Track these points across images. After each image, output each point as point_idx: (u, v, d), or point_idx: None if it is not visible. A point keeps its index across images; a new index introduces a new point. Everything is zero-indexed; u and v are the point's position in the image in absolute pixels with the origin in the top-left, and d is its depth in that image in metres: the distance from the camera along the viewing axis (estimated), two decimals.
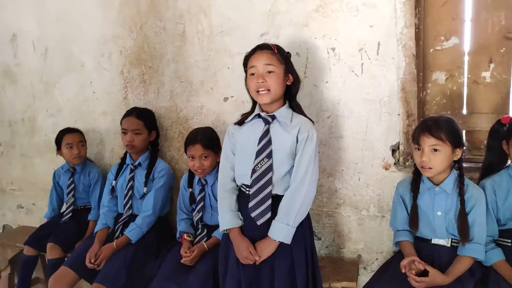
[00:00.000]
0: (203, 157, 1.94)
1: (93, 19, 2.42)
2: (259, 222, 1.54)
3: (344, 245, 2.05)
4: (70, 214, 2.40)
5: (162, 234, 2.17)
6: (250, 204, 1.55)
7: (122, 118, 2.19)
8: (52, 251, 2.20)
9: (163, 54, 2.26)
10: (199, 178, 2.03)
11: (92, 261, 1.97)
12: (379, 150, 1.91)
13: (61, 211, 2.51)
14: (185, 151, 2.00)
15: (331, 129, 1.97)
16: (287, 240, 1.51)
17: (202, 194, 2.03)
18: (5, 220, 3.05)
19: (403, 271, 1.50)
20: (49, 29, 2.58)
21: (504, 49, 1.82)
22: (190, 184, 2.08)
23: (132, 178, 2.19)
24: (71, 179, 2.43)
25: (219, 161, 2.02)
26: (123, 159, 2.28)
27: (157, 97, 2.32)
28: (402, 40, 1.79)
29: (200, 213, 2.02)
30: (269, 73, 1.55)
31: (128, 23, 2.32)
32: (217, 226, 1.98)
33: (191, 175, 2.07)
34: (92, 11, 2.41)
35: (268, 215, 1.54)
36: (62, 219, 2.38)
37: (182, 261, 1.84)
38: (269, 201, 1.54)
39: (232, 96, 2.14)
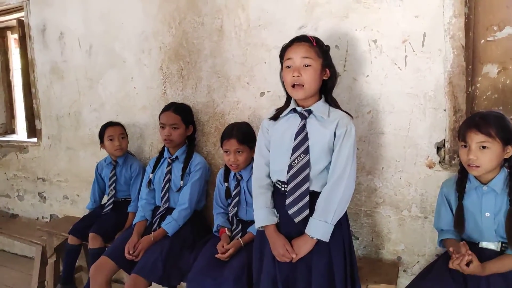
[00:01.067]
0: (238, 152, 1.94)
1: (134, 16, 2.47)
2: (296, 220, 1.51)
3: (383, 245, 1.97)
4: (111, 206, 2.48)
5: (197, 227, 2.19)
6: (287, 201, 1.52)
7: (161, 113, 2.23)
8: (93, 241, 2.28)
9: (201, 49, 2.28)
10: (235, 173, 2.03)
11: (131, 252, 2.02)
12: (422, 147, 1.81)
13: (102, 203, 2.61)
14: (221, 145, 2.00)
15: (371, 125, 1.89)
16: (326, 238, 1.47)
17: (238, 189, 2.02)
18: (52, 209, 3.21)
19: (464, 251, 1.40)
20: (93, 26, 2.68)
21: None
22: (226, 179, 2.08)
23: (169, 172, 2.23)
24: (113, 171, 2.51)
25: (253, 156, 2.01)
26: (161, 152, 2.32)
27: (195, 92, 2.34)
28: (450, 31, 1.68)
29: (235, 208, 2.02)
30: (305, 66, 1.50)
31: (168, 19, 2.35)
32: (252, 222, 1.97)
33: (227, 170, 2.08)
34: (133, 7, 2.47)
35: (306, 212, 1.50)
36: (104, 211, 2.47)
37: (217, 256, 1.85)
38: (307, 198, 1.50)
39: (268, 91, 2.11)
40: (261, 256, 1.63)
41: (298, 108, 1.57)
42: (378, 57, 1.82)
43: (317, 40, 1.55)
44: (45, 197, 3.24)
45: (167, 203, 2.22)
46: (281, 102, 2.04)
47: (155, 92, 2.49)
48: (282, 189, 1.57)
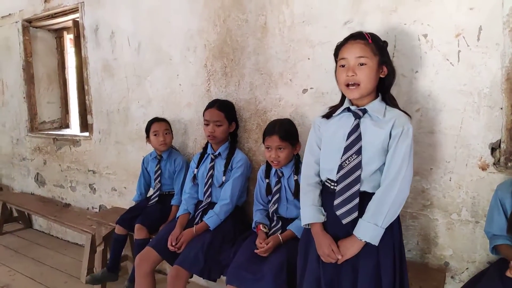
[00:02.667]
0: (280, 149, 1.93)
1: (181, 14, 2.54)
2: (344, 221, 1.46)
3: (429, 250, 1.88)
4: (157, 199, 2.57)
5: (238, 223, 2.21)
6: (336, 202, 1.47)
7: (205, 110, 2.27)
8: (139, 232, 2.37)
9: (244, 46, 2.29)
10: (276, 170, 2.03)
11: (174, 244, 2.08)
12: (475, 148, 1.70)
13: (148, 195, 2.71)
14: (263, 142, 2.01)
15: (420, 124, 1.81)
16: (375, 241, 1.41)
17: (278, 186, 2.02)
18: (101, 200, 3.38)
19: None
20: (141, 25, 2.78)
21: None
22: (267, 175, 2.08)
23: (212, 167, 2.27)
24: (158, 165, 2.60)
25: (295, 154, 2.00)
26: (205, 148, 2.37)
27: (238, 89, 2.36)
28: (510, 23, 1.56)
29: (276, 205, 2.02)
30: (360, 65, 1.44)
31: (213, 17, 2.39)
32: (292, 219, 1.98)
33: (269, 167, 2.08)
34: (179, 5, 2.53)
35: (355, 214, 1.45)
36: (149, 203, 2.57)
37: (256, 251, 1.86)
38: (357, 200, 1.45)
39: (311, 88, 2.08)
40: (306, 255, 1.60)
41: (352, 107, 1.52)
42: (429, 52, 1.74)
43: (373, 37, 1.48)
44: (95, 189, 3.41)
45: (210, 198, 2.26)
46: (325, 99, 2.04)
47: (200, 89, 2.54)
48: (332, 187, 1.53)
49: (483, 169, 1.70)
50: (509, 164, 1.64)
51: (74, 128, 3.97)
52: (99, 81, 3.16)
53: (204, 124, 2.25)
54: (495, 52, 1.60)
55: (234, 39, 2.33)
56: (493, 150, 1.67)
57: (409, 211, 1.90)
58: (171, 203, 2.53)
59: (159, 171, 2.60)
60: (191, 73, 2.56)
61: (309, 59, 2.06)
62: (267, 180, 2.07)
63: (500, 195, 1.51)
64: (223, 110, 2.23)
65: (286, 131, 1.94)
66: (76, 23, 3.34)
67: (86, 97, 3.30)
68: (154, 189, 2.62)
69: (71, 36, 3.72)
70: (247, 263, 1.84)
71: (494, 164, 1.67)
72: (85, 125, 3.43)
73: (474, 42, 1.64)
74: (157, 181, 2.60)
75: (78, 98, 3.51)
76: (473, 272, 1.75)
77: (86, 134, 3.40)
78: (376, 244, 1.42)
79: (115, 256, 2.57)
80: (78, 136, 3.48)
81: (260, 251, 1.84)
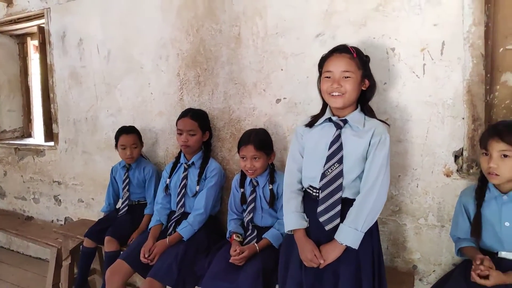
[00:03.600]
0: (255, 158, 1.95)
1: (153, 23, 2.52)
2: (327, 228, 1.51)
3: (398, 254, 1.95)
4: (126, 208, 2.51)
5: (212, 232, 2.20)
6: (319, 209, 1.52)
7: (178, 119, 2.26)
8: (109, 244, 2.30)
9: (218, 56, 2.31)
10: (251, 179, 2.04)
11: (146, 256, 2.04)
12: (440, 156, 1.80)
13: (117, 206, 2.64)
14: (238, 151, 2.02)
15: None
16: (355, 245, 1.47)
17: (253, 195, 2.03)
18: (67, 212, 3.25)
19: (476, 270, 1.40)
20: (112, 32, 2.73)
21: None
22: (241, 184, 2.09)
23: (185, 177, 2.25)
24: (126, 174, 2.55)
25: (270, 163, 2.02)
26: (177, 158, 2.35)
27: (211, 98, 2.37)
28: (470, 39, 1.68)
29: (251, 214, 2.03)
30: (345, 78, 1.51)
31: (186, 26, 2.39)
32: (267, 228, 1.99)
33: (243, 176, 2.09)
34: (152, 14, 2.52)
35: (337, 221, 1.50)
36: (119, 213, 2.50)
37: (230, 260, 1.85)
38: (339, 207, 1.51)
39: (284, 98, 2.13)
40: (287, 261, 1.63)
41: (334, 118, 1.58)
42: (396, 65, 1.83)
43: (358, 51, 1.55)
44: (60, 200, 3.28)
45: (183, 208, 2.23)
46: (298, 109, 2.08)
47: (172, 98, 2.52)
48: (314, 194, 1.57)
49: (448, 175, 1.79)
50: (471, 171, 1.74)
51: (38, 137, 3.81)
52: (66, 89, 3.06)
53: (177, 133, 2.24)
54: (457, 65, 1.71)
55: (207, 48, 2.34)
56: (456, 157, 1.77)
57: (379, 217, 1.94)
58: (144, 212, 2.48)
59: (127, 180, 2.54)
60: (163, 81, 2.54)
61: (282, 70, 2.10)
62: (242, 190, 2.08)
63: (464, 200, 1.60)
64: (197, 119, 2.23)
65: (261, 141, 1.97)
66: (41, 29, 3.23)
67: (51, 105, 3.18)
68: (122, 198, 2.56)
69: (35, 42, 3.59)
70: (222, 272, 1.84)
71: (457, 171, 1.77)
72: (49, 134, 3.30)
73: (438, 56, 1.74)
74: (125, 189, 2.54)
75: (42, 106, 3.38)
76: (439, 274, 1.83)
77: (51, 143, 3.27)
78: (356, 248, 1.47)
79: (84, 271, 2.47)
80: (42, 145, 3.35)
81: (234, 259, 1.84)
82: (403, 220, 1.92)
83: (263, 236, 1.95)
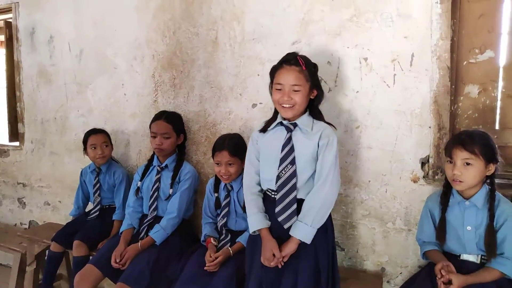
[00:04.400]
0: (229, 164, 1.96)
1: (129, 23, 2.49)
2: (286, 226, 1.59)
3: (367, 257, 2.02)
4: (97, 213, 2.45)
5: (185, 236, 2.19)
6: (277, 209, 1.60)
7: (152, 122, 2.23)
8: (78, 249, 2.24)
9: (194, 59, 2.30)
10: (225, 184, 2.05)
11: (117, 260, 2.00)
12: (408, 162, 1.88)
13: (87, 210, 2.57)
14: (212, 157, 2.02)
15: (360, 140, 1.96)
16: (307, 239, 1.55)
17: (228, 199, 2.04)
18: (31, 216, 3.13)
19: (439, 275, 1.48)
20: (85, 31, 2.67)
21: None
22: (216, 189, 2.09)
23: (158, 180, 2.23)
24: (97, 178, 2.49)
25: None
26: (150, 160, 2.32)
27: (187, 101, 2.36)
28: (437, 52, 1.77)
29: (225, 219, 2.03)
30: (295, 91, 1.59)
31: (162, 28, 2.38)
32: (241, 232, 2.00)
33: (217, 180, 2.09)
34: (128, 15, 2.48)
35: (295, 219, 1.59)
36: (89, 217, 2.44)
37: (206, 267, 1.84)
38: (295, 206, 1.59)
39: (260, 103, 2.15)
40: (252, 260, 1.69)
41: (285, 122, 1.66)
42: (368, 74, 1.90)
43: (306, 63, 1.61)
44: (24, 203, 3.16)
45: (155, 212, 2.21)
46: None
47: (146, 99, 2.49)
48: (272, 196, 1.65)
49: (415, 181, 1.88)
50: (436, 177, 1.83)
51: (1, 137, 3.65)
52: (34, 87, 2.96)
53: (151, 136, 2.21)
54: (425, 77, 1.80)
55: (184, 51, 2.33)
56: (423, 164, 1.86)
57: (349, 221, 2.03)
58: (113, 218, 2.43)
59: (98, 184, 2.49)
60: (137, 83, 2.51)
61: (258, 75, 2.13)
62: (216, 194, 2.08)
63: (430, 205, 1.68)
64: (171, 122, 2.22)
65: (235, 147, 1.98)
66: (8, 24, 3.10)
67: (18, 104, 3.07)
68: (93, 203, 2.50)
69: (1, 37, 3.44)
70: (196, 277, 1.83)
71: (423, 177, 1.86)
72: (15, 134, 3.17)
73: (407, 67, 1.82)
74: (96, 194, 2.49)
75: (7, 105, 3.24)
76: (406, 276, 1.91)
77: (16, 143, 3.15)
78: (308, 242, 1.55)
79: (50, 276, 2.39)
80: (6, 145, 3.21)
81: (210, 266, 1.83)
82: (372, 224, 1.99)
83: (237, 240, 1.96)
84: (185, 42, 2.32)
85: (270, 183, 1.65)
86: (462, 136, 1.52)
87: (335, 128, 1.69)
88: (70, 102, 2.80)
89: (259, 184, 1.72)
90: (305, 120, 1.64)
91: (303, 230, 1.55)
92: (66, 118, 2.84)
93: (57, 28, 2.78)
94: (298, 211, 1.59)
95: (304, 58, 1.62)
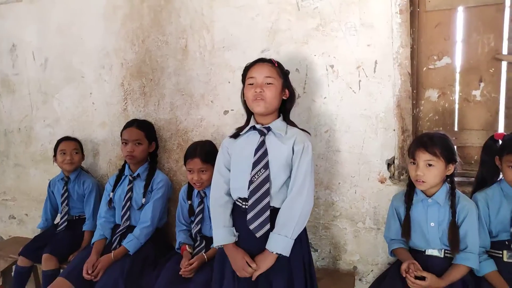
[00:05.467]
0: (202, 171, 1.97)
1: (95, 32, 2.45)
2: (258, 234, 1.52)
3: (340, 257, 2.09)
4: (66, 224, 2.39)
5: (159, 245, 2.18)
6: (248, 217, 1.52)
7: (123, 129, 2.22)
8: (47, 262, 2.18)
9: (164, 67, 2.31)
10: (198, 191, 2.06)
11: (90, 272, 1.96)
12: (375, 164, 1.97)
13: (55, 222, 2.50)
14: (185, 164, 2.03)
15: (329, 143, 2.03)
16: (286, 252, 1.49)
17: (201, 206, 2.05)
18: None
19: (404, 274, 1.55)
20: (50, 40, 2.61)
21: (493, 69, 1.92)
22: (189, 196, 2.10)
23: (130, 189, 2.21)
24: (65, 187, 2.44)
25: None
26: (121, 170, 2.29)
27: (157, 109, 2.36)
28: (398, 59, 1.87)
29: (199, 225, 2.04)
30: (268, 84, 1.57)
31: (131, 37, 2.37)
32: None
33: (190, 188, 2.10)
34: (94, 23, 2.45)
35: (267, 227, 1.52)
36: (58, 229, 2.38)
37: (180, 272, 1.85)
38: (268, 213, 1.52)
39: (232, 109, 2.19)
40: (221, 276, 1.62)
41: (258, 126, 1.63)
42: (335, 81, 1.97)
43: (278, 63, 1.65)
44: None
45: (128, 221, 2.18)
46: (244, 120, 2.13)
47: (115, 108, 2.47)
48: (243, 207, 1.58)
49: (382, 182, 1.97)
50: (402, 177, 1.93)
51: None
52: None
53: (122, 143, 2.20)
54: (388, 82, 1.89)
55: (153, 59, 2.33)
56: (389, 165, 1.95)
57: (322, 222, 2.09)
58: (83, 229, 2.38)
59: (67, 193, 2.43)
60: (106, 91, 2.48)
61: (229, 82, 2.17)
62: (189, 202, 2.09)
63: (395, 204, 1.76)
64: (143, 129, 2.21)
65: (207, 153, 1.99)
66: None
67: None
68: (61, 213, 2.44)
69: None
70: (171, 284, 1.83)
71: (390, 177, 1.95)
72: None
73: (371, 74, 1.91)
74: (64, 204, 2.43)
75: None
76: (377, 274, 1.99)
77: None
78: (287, 255, 1.49)
79: None
80: None
81: (185, 271, 1.84)
82: (344, 224, 2.06)
83: (211, 246, 1.96)
84: (154, 50, 2.32)
85: (241, 191, 1.58)
86: (424, 138, 1.60)
87: (309, 134, 1.68)
88: (35, 112, 2.72)
89: (228, 194, 1.65)
90: (278, 124, 1.62)
91: (282, 243, 1.48)
92: (31, 129, 2.75)
93: (20, 37, 2.70)
94: (271, 220, 1.52)
95: (276, 61, 1.66)
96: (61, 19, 2.56)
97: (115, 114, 2.48)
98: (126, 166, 2.27)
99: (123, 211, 2.19)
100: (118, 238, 2.14)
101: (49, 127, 2.69)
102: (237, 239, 1.58)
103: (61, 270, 2.14)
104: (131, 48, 2.38)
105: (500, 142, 1.63)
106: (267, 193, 1.52)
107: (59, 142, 2.41)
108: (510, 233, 1.55)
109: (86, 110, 2.56)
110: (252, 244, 1.54)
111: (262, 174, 1.54)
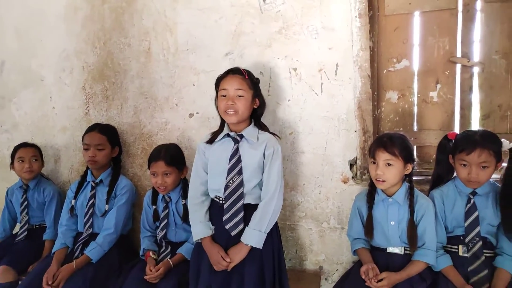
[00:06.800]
0: (166, 174, 1.95)
1: (55, 33, 2.38)
2: (233, 233, 1.65)
3: (306, 257, 2.11)
4: (25, 233, 2.30)
5: (124, 252, 2.12)
6: (225, 217, 1.66)
7: (84, 134, 2.16)
8: (4, 274, 2.08)
9: (127, 70, 2.27)
10: (163, 195, 2.03)
11: (50, 282, 1.89)
12: (338, 164, 2.01)
13: (14, 232, 2.40)
14: (148, 168, 2.00)
15: (293, 145, 2.05)
16: (259, 245, 1.63)
17: (166, 211, 2.02)
18: None
19: (363, 277, 1.58)
20: (6, 42, 2.51)
21: (448, 71, 2.00)
22: (154, 201, 2.06)
23: (93, 196, 2.15)
24: (24, 196, 2.35)
25: (182, 178, 2.04)
26: (83, 176, 2.23)
27: (120, 113, 2.31)
28: (358, 62, 1.92)
29: (164, 231, 2.01)
30: (239, 97, 1.67)
31: (92, 39, 2.31)
32: (181, 243, 2.00)
33: (155, 192, 2.06)
34: (54, 25, 2.38)
35: (241, 226, 1.66)
36: (17, 239, 2.28)
37: (146, 278, 1.82)
38: (242, 213, 1.66)
39: (197, 113, 2.17)
40: (198, 268, 1.71)
41: (232, 134, 1.73)
42: (298, 83, 2.00)
43: (249, 74, 1.74)
44: None
45: (91, 229, 2.12)
46: (210, 124, 2.15)
47: (77, 112, 2.40)
48: (220, 202, 1.70)
49: (345, 182, 2.01)
50: (364, 177, 1.97)
51: None
52: None
53: (84, 148, 2.14)
54: (349, 85, 1.94)
55: (116, 62, 2.28)
56: (351, 166, 2.00)
57: (288, 223, 2.11)
58: (44, 238, 2.29)
59: (26, 202, 2.34)
60: (67, 95, 2.41)
61: (194, 85, 2.15)
62: (154, 207, 2.05)
63: (358, 204, 1.80)
64: (105, 134, 2.16)
65: (172, 156, 1.97)
66: None
67: None
68: (20, 223, 2.34)
69: None
70: None
71: (352, 177, 1.99)
72: None
73: (333, 76, 1.95)
74: (23, 213, 2.34)
75: None
76: (342, 272, 2.02)
77: None
78: (260, 247, 1.63)
79: None
80: None
81: (150, 278, 1.81)
82: (309, 225, 2.09)
83: (177, 251, 1.94)
84: (116, 52, 2.27)
85: (218, 192, 1.71)
86: (384, 138, 1.65)
87: (279, 137, 1.79)
88: None
89: (204, 195, 1.77)
90: (250, 131, 1.73)
91: (256, 237, 1.63)
92: None
93: None
94: (244, 215, 1.66)
95: (247, 70, 1.75)
96: (18, 20, 2.47)
97: (76, 119, 2.41)
98: (89, 172, 2.21)
99: (86, 218, 2.13)
100: (80, 247, 2.07)
101: (7, 133, 2.58)
102: (213, 232, 1.70)
103: (20, 282, 2.05)
104: (92, 50, 2.32)
105: (453, 141, 1.69)
106: (241, 196, 1.67)
107: (16, 148, 2.32)
108: (464, 228, 1.62)
109: (46, 114, 2.48)
110: (228, 238, 1.67)
111: (236, 179, 1.67)
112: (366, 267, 1.61)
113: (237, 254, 1.62)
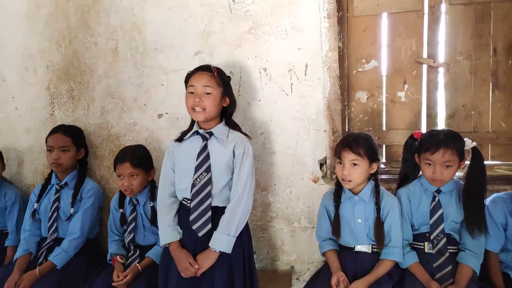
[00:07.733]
0: (132, 176, 1.90)
1: (17, 32, 2.29)
2: (200, 234, 1.60)
3: (278, 257, 2.11)
4: None
5: (91, 257, 2.05)
6: (191, 217, 1.60)
7: (48, 136, 2.09)
8: None
9: (94, 69, 2.20)
10: (131, 198, 1.98)
11: None
12: (308, 164, 2.01)
13: None
14: (115, 170, 1.94)
15: (264, 145, 2.04)
16: (228, 249, 1.58)
17: (134, 214, 1.97)
18: None
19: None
20: None
21: (415, 72, 2.05)
22: (121, 204, 2.01)
23: (57, 199, 2.08)
24: None
25: (150, 180, 1.99)
26: (48, 179, 2.15)
27: (87, 113, 2.24)
28: (327, 62, 1.93)
29: (132, 234, 1.96)
30: (206, 94, 1.63)
31: (56, 37, 2.23)
32: (150, 247, 1.95)
33: (122, 195, 2.01)
34: (16, 23, 2.28)
35: (209, 226, 1.60)
36: None
37: (114, 284, 1.77)
38: (209, 213, 1.60)
39: (166, 113, 2.13)
40: (167, 273, 1.67)
41: (201, 131, 1.69)
42: (268, 84, 1.99)
43: (219, 71, 1.70)
44: None
45: (55, 234, 2.05)
46: (180, 124, 2.12)
47: (41, 113, 2.31)
48: (188, 205, 1.64)
49: (315, 181, 2.02)
50: (334, 176, 1.98)
51: None
52: None
53: (48, 151, 2.07)
54: (318, 85, 1.95)
55: (82, 61, 2.22)
56: (321, 165, 2.01)
57: (259, 224, 2.10)
58: (5, 245, 2.19)
59: None
60: (30, 95, 2.32)
61: (163, 85, 2.11)
62: (121, 210, 2.00)
63: (325, 203, 1.80)
64: (70, 135, 2.09)
65: (138, 158, 1.93)
66: None
67: None
68: None
69: None
70: None
71: (322, 177, 2.00)
72: None
73: (302, 77, 1.96)
74: None
75: None
76: (313, 272, 2.01)
77: None
78: (230, 252, 1.59)
79: None
80: None
81: (118, 284, 1.76)
82: (281, 225, 2.08)
83: (146, 255, 1.90)
84: (82, 51, 2.21)
85: (185, 192, 1.65)
86: (349, 139, 1.66)
87: (250, 138, 1.76)
88: None
89: (173, 196, 1.71)
90: (221, 129, 1.69)
91: (225, 241, 1.58)
92: None
93: None
94: (213, 218, 1.60)
95: (217, 68, 1.71)
96: None
97: (41, 120, 2.32)
98: (53, 174, 2.13)
99: (50, 222, 2.05)
100: (44, 253, 1.99)
101: None
102: (181, 237, 1.65)
103: None
104: (57, 49, 2.24)
105: (418, 140, 1.72)
106: (208, 195, 1.61)
107: None
108: (430, 225, 1.65)
109: (8, 115, 2.37)
110: (197, 242, 1.62)
111: (204, 177, 1.62)
112: (336, 278, 1.61)
113: (206, 261, 1.58)
